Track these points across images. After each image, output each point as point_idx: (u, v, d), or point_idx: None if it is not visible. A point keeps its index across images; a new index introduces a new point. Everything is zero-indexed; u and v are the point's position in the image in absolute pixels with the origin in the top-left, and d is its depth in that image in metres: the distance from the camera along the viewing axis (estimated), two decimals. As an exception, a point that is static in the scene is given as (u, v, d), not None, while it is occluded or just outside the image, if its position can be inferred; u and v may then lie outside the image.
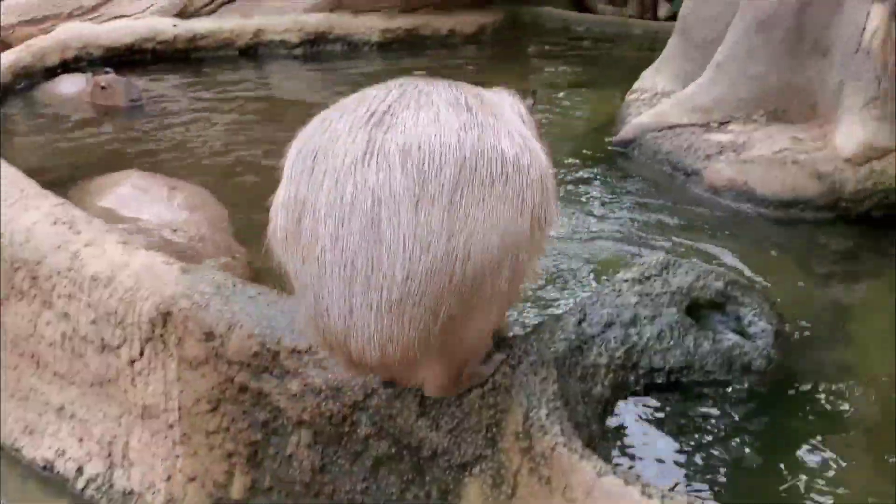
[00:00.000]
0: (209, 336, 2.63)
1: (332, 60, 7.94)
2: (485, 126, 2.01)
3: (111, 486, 2.91)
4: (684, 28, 5.66)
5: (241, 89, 6.99)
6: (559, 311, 3.10)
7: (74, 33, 7.25)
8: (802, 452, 2.66)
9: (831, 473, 2.58)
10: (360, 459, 2.42)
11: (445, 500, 2.29)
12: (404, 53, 8.17)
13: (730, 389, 2.83)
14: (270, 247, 2.13)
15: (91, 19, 7.61)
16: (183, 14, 7.83)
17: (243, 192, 4.75)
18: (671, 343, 2.79)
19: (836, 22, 4.77)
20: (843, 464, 2.62)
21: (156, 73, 7.27)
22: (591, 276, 3.79)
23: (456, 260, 1.93)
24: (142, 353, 2.80)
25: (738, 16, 5.05)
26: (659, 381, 2.75)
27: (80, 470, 2.99)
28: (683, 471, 2.57)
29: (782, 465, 2.60)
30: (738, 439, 2.68)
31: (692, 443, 2.67)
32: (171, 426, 2.78)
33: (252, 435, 2.60)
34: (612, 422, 2.66)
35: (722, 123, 5.01)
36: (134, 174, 4.24)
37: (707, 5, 5.50)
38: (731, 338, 2.91)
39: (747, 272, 3.75)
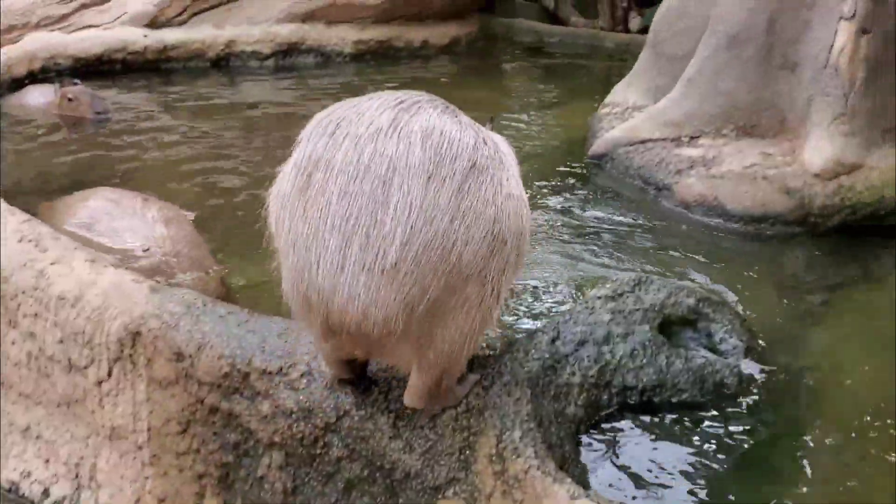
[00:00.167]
0: (179, 356, 2.60)
1: (304, 72, 7.91)
2: (495, 152, 2.15)
3: (78, 508, 2.86)
4: (655, 42, 5.70)
5: (213, 101, 6.93)
6: (532, 329, 3.09)
7: (42, 44, 7.16)
8: (776, 466, 2.68)
9: (804, 487, 2.60)
10: (333, 481, 2.40)
11: (419, 523, 2.27)
12: (377, 65, 8.17)
13: (702, 407, 2.84)
14: (268, 206, 2.17)
15: (60, 29, 7.51)
16: (154, 24, 7.75)
17: (215, 206, 4.71)
18: (644, 361, 2.79)
19: (804, 39, 4.83)
20: (817, 476, 2.64)
21: (126, 84, 7.20)
22: (564, 292, 3.79)
23: (455, 242, 1.99)
24: (110, 374, 2.76)
25: (709, 31, 5.10)
26: (632, 400, 2.75)
27: (46, 492, 2.93)
28: (659, 491, 2.57)
29: (757, 481, 2.61)
30: (709, 458, 2.69)
31: (664, 462, 2.67)
32: (140, 447, 2.74)
33: (223, 456, 2.57)
34: (585, 440, 2.66)
35: (693, 138, 5.05)
36: (106, 190, 4.17)
37: (678, 20, 5.55)
38: (703, 355, 2.92)
39: (718, 288, 3.77)
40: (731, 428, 2.81)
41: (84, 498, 2.85)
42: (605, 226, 4.60)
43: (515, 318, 3.53)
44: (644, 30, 8.74)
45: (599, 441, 2.67)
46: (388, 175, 1.97)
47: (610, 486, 2.55)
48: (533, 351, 2.63)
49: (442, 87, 7.37)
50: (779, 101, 4.94)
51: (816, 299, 3.97)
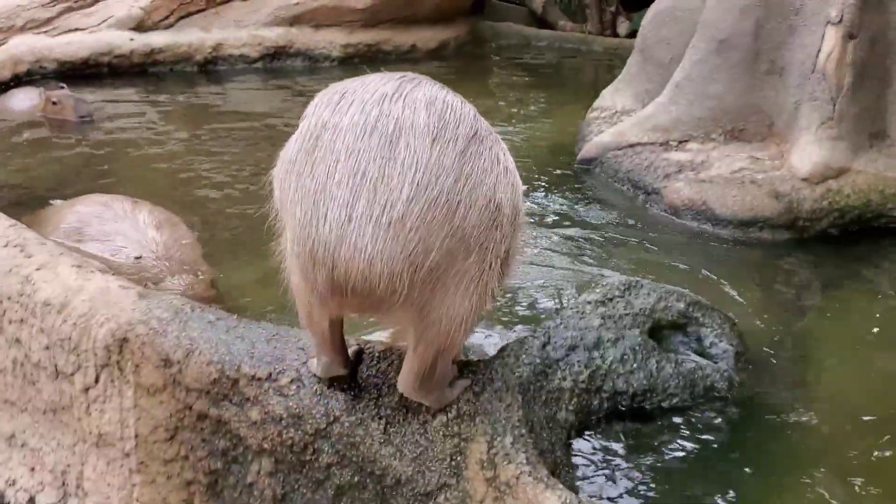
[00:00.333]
0: (167, 363, 2.57)
1: (292, 75, 7.90)
2: (491, 128, 2.23)
3: (64, 517, 2.83)
4: (644, 48, 5.72)
5: (200, 104, 6.90)
6: (522, 334, 3.08)
7: (27, 47, 7.12)
8: (765, 473, 2.68)
9: (795, 488, 2.60)
10: (323, 488, 2.39)
11: (409, 530, 2.26)
12: (366, 68, 8.14)
13: (693, 412, 2.84)
14: (271, 183, 2.19)
15: (45, 32, 7.46)
16: (140, 28, 7.72)
17: (203, 210, 4.68)
18: (634, 366, 2.79)
19: (791, 44, 4.85)
20: (808, 478, 2.65)
21: (112, 87, 7.16)
22: (554, 297, 3.79)
23: (459, 203, 2.03)
24: (97, 380, 2.73)
25: (697, 37, 5.12)
26: (623, 404, 2.74)
27: (32, 500, 2.90)
28: (649, 496, 2.56)
29: (748, 484, 2.61)
30: (700, 463, 2.69)
31: (655, 467, 2.67)
32: (127, 454, 2.71)
33: (211, 463, 2.54)
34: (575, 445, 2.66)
35: (681, 142, 5.07)
36: (94, 195, 4.14)
37: (666, 26, 5.57)
38: (693, 360, 2.92)
39: (707, 292, 3.77)
40: (721, 432, 2.81)
41: (70, 506, 2.82)
42: (595, 230, 4.60)
43: (506, 322, 3.53)
44: (632, 34, 8.78)
45: (590, 446, 2.66)
46: (395, 134, 2.02)
47: (601, 491, 2.55)
48: (524, 356, 2.62)
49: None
50: (766, 106, 4.96)
51: (805, 303, 3.99)
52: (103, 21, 7.61)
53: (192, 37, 7.79)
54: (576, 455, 2.62)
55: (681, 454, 2.70)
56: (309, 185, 2.04)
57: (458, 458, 2.24)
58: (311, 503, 2.40)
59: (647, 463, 2.65)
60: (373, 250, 1.98)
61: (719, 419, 2.84)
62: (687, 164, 4.89)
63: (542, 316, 3.55)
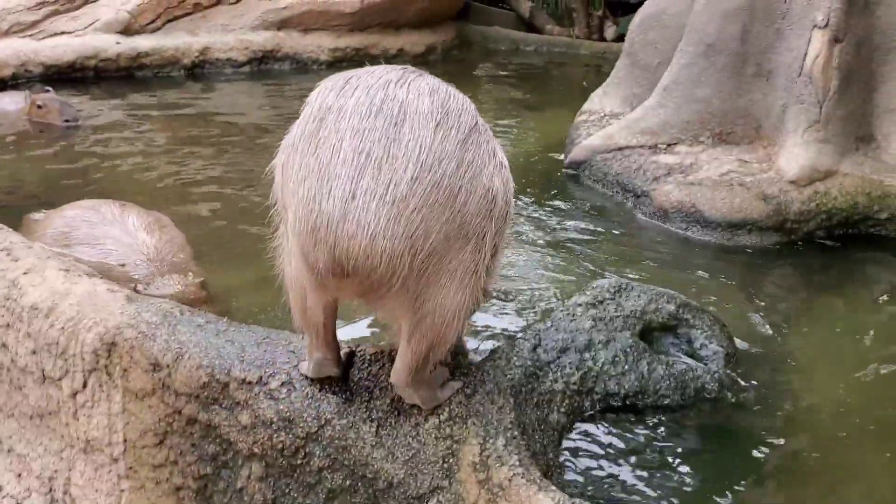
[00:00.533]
0: (156, 367, 2.55)
1: (279, 79, 7.88)
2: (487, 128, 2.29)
3: (52, 523, 2.80)
4: (631, 52, 5.74)
5: (187, 108, 6.88)
6: (513, 336, 3.08)
7: (13, 51, 7.08)
8: (753, 474, 2.69)
9: (786, 489, 2.61)
10: (314, 492, 2.37)
11: (402, 533, 2.25)
12: (353, 72, 8.14)
13: (683, 413, 2.84)
14: (273, 165, 2.21)
15: (30, 36, 7.42)
16: (127, 31, 7.68)
17: (190, 213, 4.66)
18: (626, 368, 2.79)
19: (778, 47, 4.88)
20: (799, 479, 2.65)
21: (99, 91, 7.12)
22: (543, 300, 3.79)
23: (460, 188, 2.06)
24: (85, 385, 2.70)
25: (684, 41, 5.14)
26: (614, 406, 2.74)
27: (18, 507, 2.87)
28: (639, 496, 2.56)
29: (738, 485, 2.61)
30: (691, 464, 2.69)
31: (647, 467, 2.67)
32: (115, 460, 2.68)
33: (201, 468, 2.52)
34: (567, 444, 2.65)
35: (669, 145, 5.08)
36: (81, 202, 4.10)
37: (653, 30, 5.59)
38: (684, 361, 2.93)
39: (696, 294, 3.79)
40: (712, 432, 2.82)
41: (58, 512, 2.79)
42: (583, 233, 4.61)
43: (496, 325, 3.52)
44: (619, 38, 8.82)
45: (582, 446, 2.65)
46: (400, 117, 2.04)
47: (593, 492, 2.54)
48: (515, 358, 2.62)
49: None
50: (754, 109, 4.99)
51: (794, 305, 4.01)
52: (90, 25, 7.57)
53: (179, 41, 7.76)
54: (567, 456, 2.62)
55: (672, 455, 2.70)
56: (313, 164, 2.04)
57: (451, 461, 2.23)
58: (302, 507, 2.38)
59: (639, 463, 2.65)
60: (376, 227, 1.99)
61: (710, 420, 2.85)
62: (676, 166, 4.90)
63: (533, 318, 3.54)
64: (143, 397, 2.59)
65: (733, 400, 2.94)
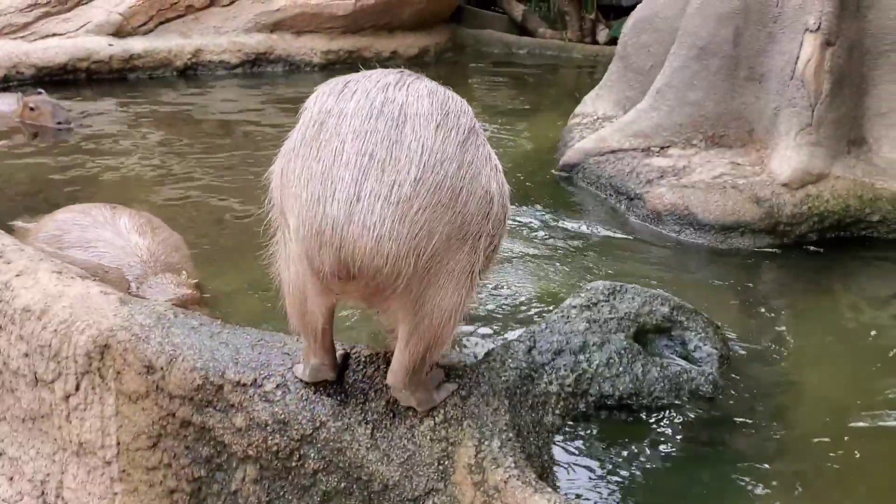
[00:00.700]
0: (149, 369, 2.54)
1: (272, 81, 7.87)
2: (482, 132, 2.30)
3: (44, 527, 2.78)
4: (624, 55, 5.76)
5: (180, 110, 6.86)
6: (507, 338, 3.08)
7: (4, 52, 7.05)
8: (748, 476, 2.69)
9: (781, 490, 2.62)
10: (309, 494, 2.36)
11: (397, 536, 2.24)
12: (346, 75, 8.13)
13: (678, 414, 2.84)
14: (270, 172, 2.21)
15: (22, 38, 7.39)
16: (119, 33, 7.66)
17: (183, 216, 4.64)
18: (620, 370, 2.79)
19: (770, 51, 4.90)
20: (787, 484, 2.66)
21: (91, 93, 7.10)
22: (537, 302, 3.79)
23: (462, 189, 2.07)
24: (77, 388, 2.69)
25: (677, 44, 5.16)
26: (609, 407, 2.74)
27: (10, 510, 2.85)
28: (633, 497, 2.56)
29: (732, 485, 2.62)
30: (686, 465, 2.69)
31: (641, 468, 2.67)
32: (108, 463, 2.67)
33: (195, 471, 2.51)
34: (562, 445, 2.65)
35: (662, 148, 5.10)
36: (72, 206, 4.07)
37: (646, 33, 5.61)
38: (678, 363, 2.93)
39: (690, 296, 3.79)
40: (706, 433, 2.82)
41: (50, 516, 2.78)
42: (577, 235, 4.61)
43: (490, 327, 3.52)
44: (612, 41, 8.85)
45: (576, 447, 2.65)
46: (400, 119, 2.06)
47: (588, 493, 2.54)
48: (509, 360, 2.62)
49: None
50: (746, 112, 5.00)
51: (786, 307, 4.01)
52: (81, 26, 7.55)
53: (171, 43, 7.75)
54: (562, 457, 2.61)
55: (666, 456, 2.71)
56: (315, 168, 2.04)
57: (446, 463, 2.23)
58: (297, 510, 2.37)
59: (634, 465, 2.65)
60: (381, 229, 2.00)
61: (704, 422, 2.85)
62: (669, 169, 4.92)
63: (527, 321, 3.54)
64: (136, 400, 2.57)
65: (727, 402, 2.95)
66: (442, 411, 2.31)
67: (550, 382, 2.66)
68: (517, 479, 2.12)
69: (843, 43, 4.74)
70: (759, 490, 2.62)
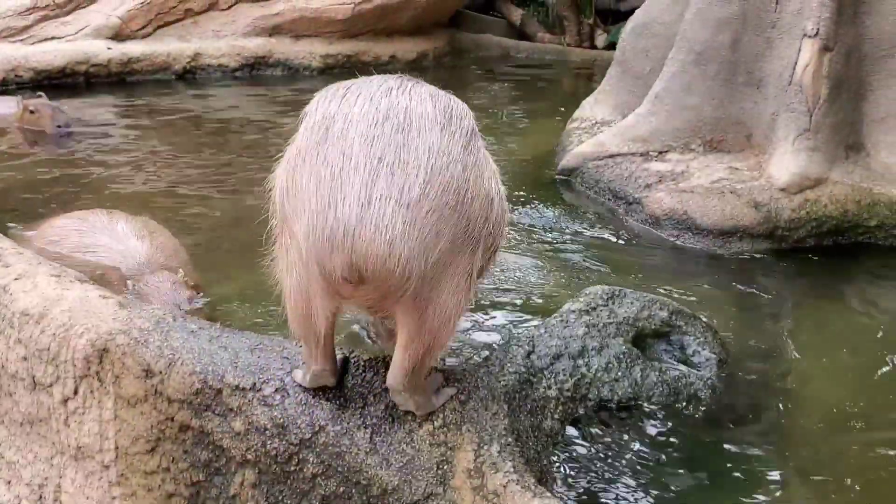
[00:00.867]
0: (148, 373, 2.54)
1: (271, 85, 7.87)
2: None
3: (42, 531, 2.77)
4: (623, 59, 5.77)
5: (179, 114, 6.86)
6: (505, 343, 3.07)
7: (3, 55, 7.05)
8: (746, 480, 2.69)
9: (778, 494, 2.62)
10: (307, 499, 2.36)
11: (396, 540, 2.24)
12: (345, 79, 8.10)
13: (676, 419, 2.85)
14: (273, 177, 2.23)
15: (21, 41, 7.39)
16: (118, 37, 7.67)
17: (181, 221, 4.64)
18: (619, 374, 2.79)
19: (768, 56, 4.92)
20: (786, 488, 2.66)
21: (89, 97, 7.10)
22: (535, 307, 3.79)
23: (467, 191, 2.10)
24: (76, 392, 2.68)
25: (675, 49, 5.17)
26: (608, 412, 2.74)
27: (7, 515, 2.85)
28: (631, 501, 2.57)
29: (729, 494, 2.62)
30: (685, 470, 2.70)
31: (639, 474, 2.67)
32: (106, 467, 2.67)
33: (193, 475, 2.51)
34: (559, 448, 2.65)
35: (661, 153, 5.10)
36: (72, 213, 4.07)
37: (645, 38, 5.62)
38: (677, 368, 2.93)
39: (688, 301, 3.80)
40: (704, 438, 2.82)
41: (48, 520, 2.77)
42: (575, 240, 4.61)
43: (489, 331, 3.52)
44: (610, 46, 8.86)
45: (574, 451, 2.65)
46: (406, 122, 2.08)
47: (586, 498, 2.54)
48: (508, 365, 2.62)
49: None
50: (744, 117, 5.02)
51: (784, 312, 4.02)
52: (80, 30, 7.56)
53: (170, 46, 7.75)
54: (561, 462, 2.61)
55: (665, 461, 2.71)
56: (324, 172, 2.05)
57: (445, 467, 2.23)
58: (296, 515, 2.37)
59: (632, 470, 2.65)
60: (393, 231, 2.00)
61: (703, 426, 2.85)
62: (667, 174, 4.92)
63: (525, 325, 3.54)
64: (135, 404, 2.57)
65: (726, 406, 2.95)
66: (441, 415, 2.31)
67: (549, 387, 2.66)
68: (516, 484, 2.12)
69: (841, 48, 4.76)
70: (759, 494, 2.62)
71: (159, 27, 7.86)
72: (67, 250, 3.65)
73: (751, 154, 4.96)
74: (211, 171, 5.50)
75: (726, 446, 2.82)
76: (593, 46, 10.01)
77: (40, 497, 2.80)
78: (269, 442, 2.38)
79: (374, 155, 2.03)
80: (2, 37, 7.35)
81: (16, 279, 2.88)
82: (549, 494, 2.10)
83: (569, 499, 2.50)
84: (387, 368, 2.33)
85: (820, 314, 3.95)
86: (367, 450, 2.29)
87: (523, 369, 2.62)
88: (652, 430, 2.79)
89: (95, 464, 2.68)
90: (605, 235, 4.69)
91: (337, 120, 2.09)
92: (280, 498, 2.39)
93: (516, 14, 10.47)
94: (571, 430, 2.69)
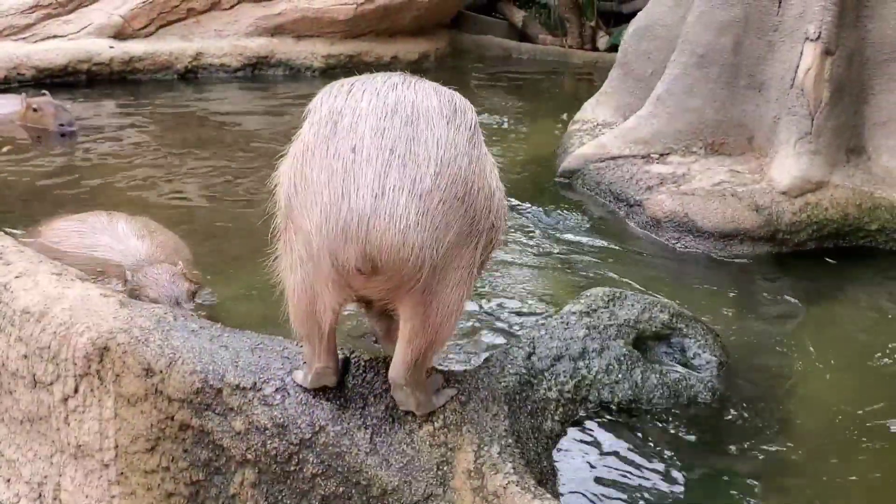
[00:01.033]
0: (149, 372, 2.54)
1: (273, 85, 7.87)
2: None
3: (41, 529, 2.77)
4: (625, 61, 5.77)
5: (180, 114, 6.86)
6: (506, 345, 3.07)
7: (5, 53, 7.04)
8: (747, 483, 2.69)
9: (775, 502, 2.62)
10: (307, 499, 2.36)
11: (395, 541, 2.24)
12: (346, 79, 8.13)
13: (676, 421, 2.84)
14: (280, 171, 2.25)
15: (23, 39, 7.39)
16: (120, 35, 7.66)
17: (183, 220, 4.64)
18: (619, 376, 2.80)
19: (770, 59, 4.92)
20: (786, 490, 2.66)
21: (91, 95, 7.10)
22: (535, 309, 3.79)
23: (474, 182, 2.14)
24: (76, 390, 2.68)
25: (677, 51, 5.17)
26: (608, 414, 2.74)
27: (7, 513, 2.85)
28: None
29: (729, 496, 2.62)
30: (685, 472, 2.69)
31: (639, 476, 2.67)
32: (106, 465, 2.67)
33: (193, 474, 2.51)
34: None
35: (662, 155, 5.10)
36: (72, 216, 4.07)
37: (647, 40, 5.62)
38: (677, 370, 2.93)
39: (689, 304, 3.79)
40: (704, 440, 2.82)
41: (47, 518, 2.77)
42: (576, 242, 4.61)
43: (489, 333, 3.52)
44: (612, 48, 8.86)
45: (574, 452, 2.65)
46: (414, 116, 2.12)
47: (586, 500, 2.54)
48: (509, 366, 2.62)
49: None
50: (746, 120, 5.02)
51: (784, 315, 4.02)
52: (83, 28, 7.55)
53: (172, 45, 7.75)
54: (561, 463, 2.61)
55: (665, 463, 2.71)
56: (336, 165, 2.08)
57: (445, 468, 2.23)
58: (295, 514, 2.37)
59: (632, 472, 2.65)
60: (407, 221, 2.04)
61: (703, 429, 2.85)
62: (668, 176, 4.92)
63: (526, 327, 3.54)
64: (135, 402, 2.57)
65: (726, 409, 2.95)
66: (441, 416, 2.31)
67: (550, 388, 2.66)
68: (516, 485, 2.12)
69: (842, 52, 4.76)
70: (759, 495, 2.63)
71: (161, 26, 7.85)
72: (68, 251, 3.65)
73: (752, 157, 4.96)
74: (212, 171, 5.50)
75: (726, 448, 2.82)
76: (595, 48, 10.00)
77: (40, 495, 2.80)
78: (269, 441, 2.38)
79: (386, 147, 2.06)
80: (4, 35, 7.35)
81: (17, 277, 2.88)
82: (549, 496, 2.10)
83: (569, 500, 2.50)
84: (387, 369, 2.33)
85: (820, 317, 3.95)
86: (368, 450, 2.29)
87: (524, 371, 2.62)
88: (652, 432, 2.79)
89: (95, 462, 2.68)
90: (606, 237, 4.69)
91: (345, 114, 2.12)
92: (280, 498, 2.39)
93: (518, 15, 10.47)
94: (572, 432, 2.69)
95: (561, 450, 2.63)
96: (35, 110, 6.02)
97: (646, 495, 2.59)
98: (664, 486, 2.63)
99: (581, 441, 2.69)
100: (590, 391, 2.74)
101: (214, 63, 7.86)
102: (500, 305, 3.75)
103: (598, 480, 2.61)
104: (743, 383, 3.17)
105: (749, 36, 4.97)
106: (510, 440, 2.25)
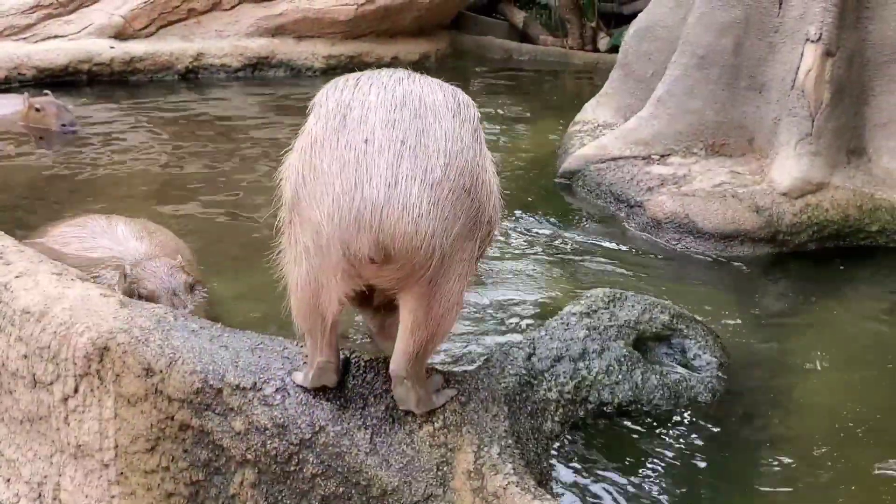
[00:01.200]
0: (149, 372, 2.54)
1: (273, 86, 7.87)
2: None
3: (41, 529, 2.77)
4: (625, 63, 5.77)
5: (181, 114, 6.86)
6: (506, 346, 3.07)
7: (5, 53, 7.05)
8: (747, 483, 2.69)
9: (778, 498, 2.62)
10: (307, 499, 2.36)
11: (395, 541, 2.24)
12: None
13: (676, 422, 2.84)
14: (287, 164, 2.27)
15: (24, 39, 7.40)
16: (121, 36, 7.67)
17: (184, 221, 4.64)
18: (620, 377, 2.80)
19: (771, 60, 4.92)
20: (786, 491, 2.66)
21: (92, 95, 7.10)
22: (536, 310, 3.79)
23: (479, 174, 2.19)
24: (76, 390, 2.68)
25: (678, 53, 5.17)
26: (608, 414, 2.74)
27: (7, 512, 2.85)
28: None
29: (729, 496, 2.62)
30: (685, 473, 2.70)
31: (638, 476, 2.67)
32: (106, 465, 2.67)
33: (193, 474, 2.51)
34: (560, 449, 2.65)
35: (663, 156, 5.10)
36: (70, 220, 4.06)
37: (647, 42, 5.62)
38: (677, 371, 2.93)
39: (689, 305, 3.79)
40: (704, 441, 2.82)
41: (47, 518, 2.77)
42: (576, 242, 4.61)
43: (489, 334, 3.52)
44: (612, 49, 8.86)
45: (574, 453, 2.65)
46: (422, 109, 2.16)
47: (585, 501, 2.54)
48: (509, 367, 2.62)
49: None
50: (747, 121, 5.02)
51: (785, 316, 4.02)
52: (83, 28, 7.56)
53: (173, 46, 7.75)
54: (561, 464, 2.61)
55: (665, 464, 2.71)
56: (347, 155, 2.11)
57: (445, 469, 2.23)
58: (295, 515, 2.37)
59: (633, 473, 2.65)
60: (420, 210, 2.07)
61: (703, 429, 2.85)
62: (669, 177, 4.92)
63: (526, 328, 3.54)
64: (135, 402, 2.57)
65: (726, 410, 2.95)
66: (441, 417, 2.31)
67: (550, 389, 2.66)
68: (516, 486, 2.12)
69: (843, 53, 4.76)
70: (759, 496, 2.62)
71: (162, 27, 7.86)
72: (69, 255, 3.65)
73: (753, 158, 4.96)
74: (212, 171, 5.51)
75: (726, 449, 2.81)
76: (595, 49, 10.00)
77: (39, 495, 2.80)
78: (269, 442, 2.38)
79: (397, 138, 2.10)
80: (5, 35, 7.36)
81: (17, 277, 2.88)
82: (548, 496, 2.10)
83: (568, 500, 2.50)
84: (387, 369, 2.33)
85: (821, 318, 3.95)
86: (368, 450, 2.29)
87: (524, 371, 2.62)
88: (652, 433, 2.79)
89: (95, 462, 2.68)
90: (607, 238, 4.69)
91: (354, 107, 2.15)
92: (279, 498, 2.39)
93: (519, 16, 10.47)
94: (572, 433, 2.69)
95: (561, 450, 2.63)
96: (37, 110, 6.02)
97: (646, 496, 2.59)
98: (664, 487, 2.63)
99: (581, 442, 2.69)
100: (590, 392, 2.74)
101: (215, 63, 7.87)
102: (500, 306, 3.75)
103: (598, 481, 2.61)
104: (743, 384, 3.17)
105: (750, 37, 4.97)
106: (510, 441, 2.25)
